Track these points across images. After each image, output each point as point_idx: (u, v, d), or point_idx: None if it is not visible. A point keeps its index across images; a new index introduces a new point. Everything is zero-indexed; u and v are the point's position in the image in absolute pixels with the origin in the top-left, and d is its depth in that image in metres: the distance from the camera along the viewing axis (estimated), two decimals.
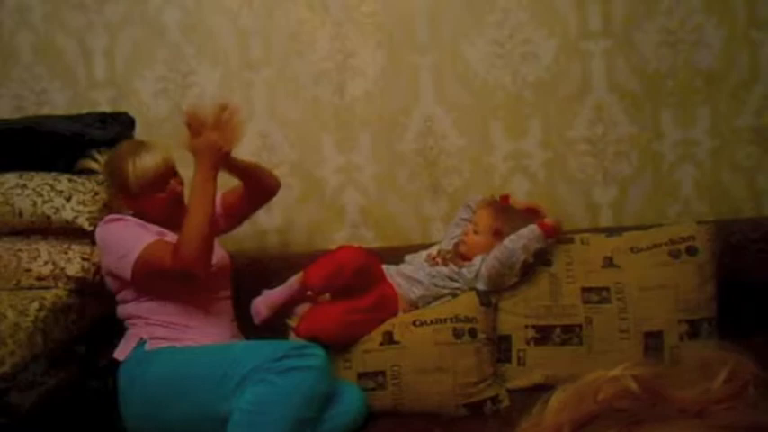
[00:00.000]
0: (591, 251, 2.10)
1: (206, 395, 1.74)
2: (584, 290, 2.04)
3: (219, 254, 2.02)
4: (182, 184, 1.97)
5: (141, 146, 1.96)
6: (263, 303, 1.99)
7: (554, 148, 2.38)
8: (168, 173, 1.93)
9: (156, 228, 1.92)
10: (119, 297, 1.94)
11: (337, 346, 1.94)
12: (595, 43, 2.33)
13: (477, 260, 2.03)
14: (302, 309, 1.99)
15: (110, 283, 1.95)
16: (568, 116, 2.37)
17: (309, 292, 1.99)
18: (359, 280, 1.95)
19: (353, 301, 1.95)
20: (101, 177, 2.17)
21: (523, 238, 1.99)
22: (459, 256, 2.08)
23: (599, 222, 2.39)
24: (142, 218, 1.94)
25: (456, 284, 2.04)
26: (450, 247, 2.11)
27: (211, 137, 1.80)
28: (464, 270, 2.03)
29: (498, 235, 2.04)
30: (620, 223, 2.36)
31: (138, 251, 1.83)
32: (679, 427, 0.43)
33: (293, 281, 1.99)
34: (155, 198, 1.91)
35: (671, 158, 2.37)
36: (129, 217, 1.93)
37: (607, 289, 2.04)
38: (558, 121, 2.37)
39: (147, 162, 1.90)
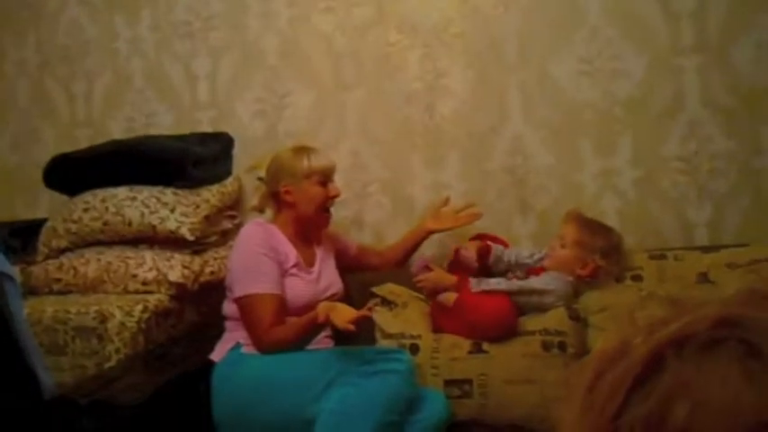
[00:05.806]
0: (685, 267, 2.05)
1: (294, 398, 1.79)
2: None
3: (338, 286, 2.12)
4: (338, 193, 2.08)
5: (311, 148, 2.10)
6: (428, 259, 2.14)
7: (645, 166, 2.34)
8: (331, 175, 2.08)
9: (285, 247, 1.99)
10: (229, 293, 1.99)
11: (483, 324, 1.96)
12: (688, 59, 2.29)
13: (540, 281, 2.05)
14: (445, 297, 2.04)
15: (228, 275, 2.02)
16: (660, 132, 2.33)
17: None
18: None
19: None
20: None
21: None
22: (539, 270, 2.09)
23: (694, 242, 2.31)
24: (287, 219, 2.04)
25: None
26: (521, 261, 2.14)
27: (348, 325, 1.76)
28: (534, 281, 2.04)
29: (583, 247, 2.03)
30: (716, 243, 2.27)
31: (246, 291, 1.91)
32: None
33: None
34: (314, 190, 2.03)
35: None
36: (273, 229, 2.01)
37: None
38: (649, 138, 2.34)
39: (321, 157, 2.07)
